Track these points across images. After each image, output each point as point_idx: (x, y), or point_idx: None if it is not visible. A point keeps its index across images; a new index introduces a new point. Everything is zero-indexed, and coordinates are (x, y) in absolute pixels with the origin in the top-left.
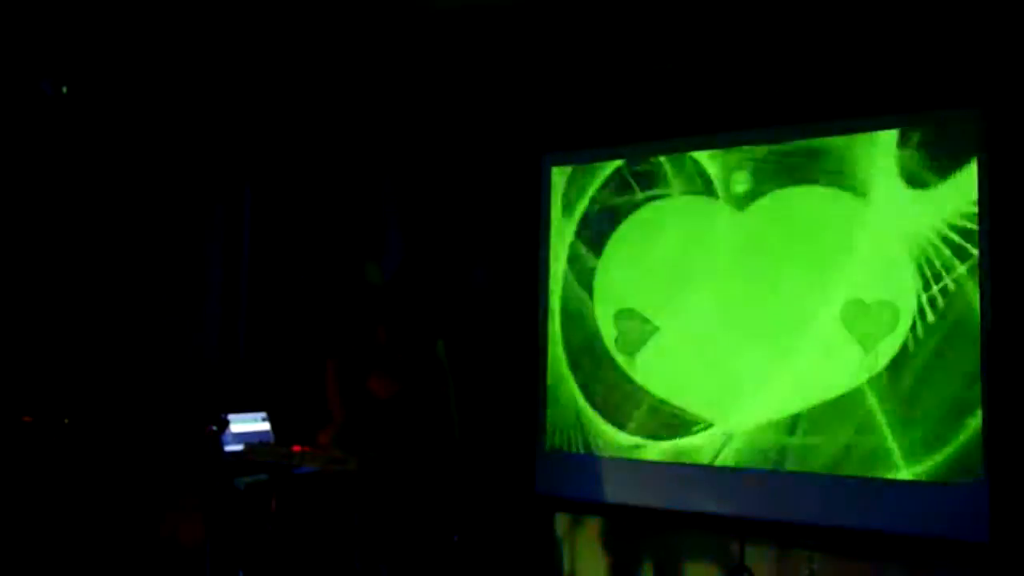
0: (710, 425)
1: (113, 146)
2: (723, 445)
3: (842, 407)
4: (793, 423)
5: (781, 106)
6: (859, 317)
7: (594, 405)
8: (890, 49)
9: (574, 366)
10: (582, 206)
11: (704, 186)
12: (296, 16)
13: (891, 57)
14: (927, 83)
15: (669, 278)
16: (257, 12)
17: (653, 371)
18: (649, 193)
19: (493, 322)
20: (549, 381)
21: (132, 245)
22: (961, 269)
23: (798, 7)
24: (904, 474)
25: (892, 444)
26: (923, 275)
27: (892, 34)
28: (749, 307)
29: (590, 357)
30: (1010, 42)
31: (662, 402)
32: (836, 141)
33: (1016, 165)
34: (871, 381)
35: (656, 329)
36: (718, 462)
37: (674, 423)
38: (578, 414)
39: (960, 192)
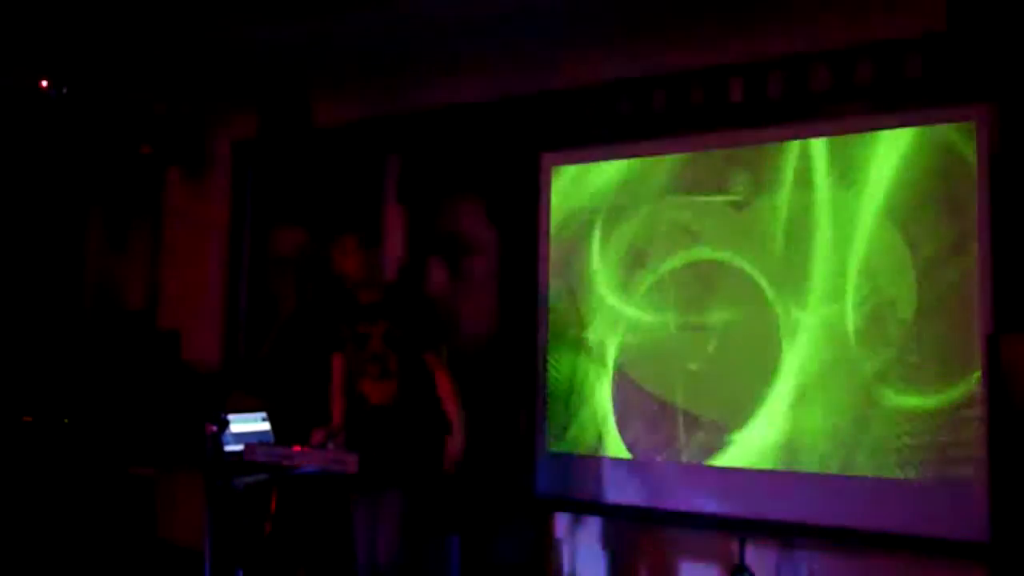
0: (711, 424)
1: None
2: (725, 444)
3: (844, 405)
4: (796, 422)
5: (782, 105)
6: (862, 315)
7: (594, 405)
8: (892, 48)
9: (574, 366)
10: (582, 205)
11: (704, 186)
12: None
13: (893, 57)
14: (929, 83)
15: (671, 279)
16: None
17: (653, 371)
18: (650, 193)
19: (492, 322)
20: (549, 380)
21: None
22: (962, 268)
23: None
24: (904, 473)
25: (893, 442)
26: (923, 274)
27: (895, 34)
28: (752, 307)
29: (589, 356)
30: (1012, 43)
31: (662, 402)
32: (836, 141)
33: (1017, 165)
34: (873, 378)
35: (656, 329)
36: (718, 462)
37: (674, 423)
38: (578, 414)
39: (961, 191)
